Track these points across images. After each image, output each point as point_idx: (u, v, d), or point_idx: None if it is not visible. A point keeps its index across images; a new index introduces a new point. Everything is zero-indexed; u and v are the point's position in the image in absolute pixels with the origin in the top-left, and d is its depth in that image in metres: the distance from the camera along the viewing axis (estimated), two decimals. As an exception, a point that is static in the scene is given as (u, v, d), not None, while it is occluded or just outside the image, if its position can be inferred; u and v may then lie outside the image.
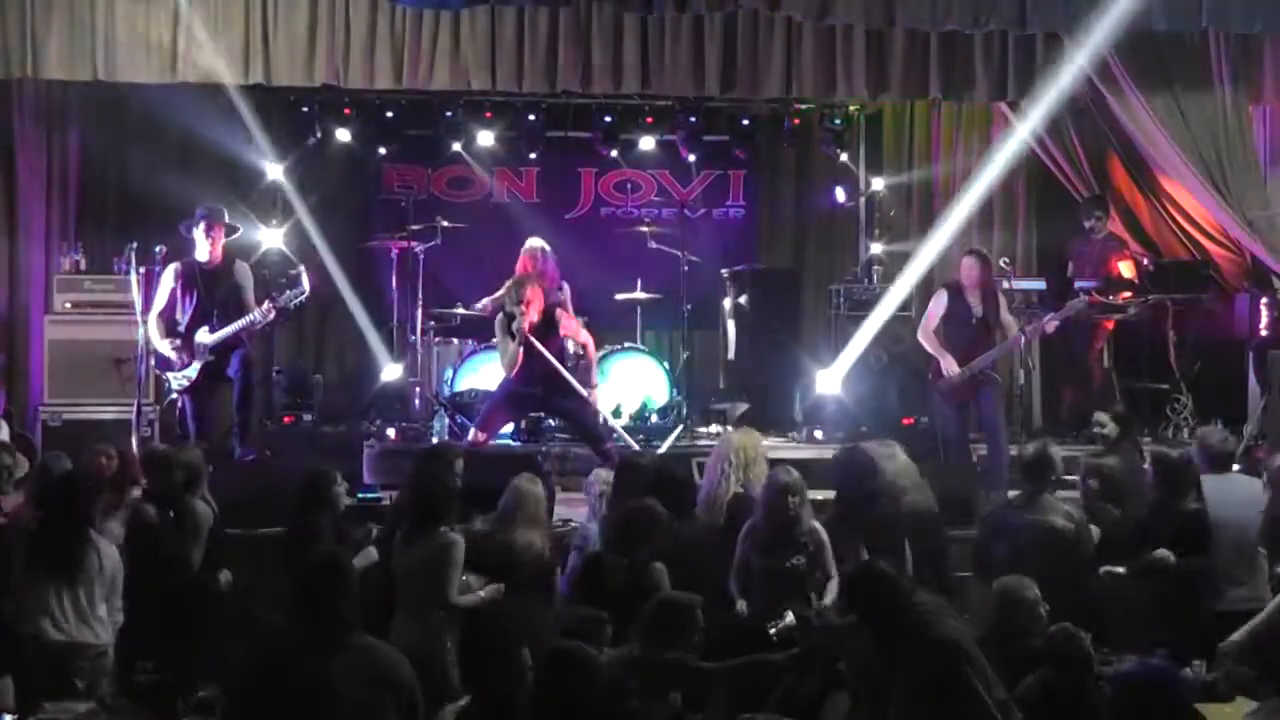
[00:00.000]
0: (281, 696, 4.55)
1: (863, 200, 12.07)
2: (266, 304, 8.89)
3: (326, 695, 4.50)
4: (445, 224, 11.02)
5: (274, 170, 11.07)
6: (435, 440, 9.88)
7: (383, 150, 11.78)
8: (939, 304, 9.27)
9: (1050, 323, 9.36)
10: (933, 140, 11.91)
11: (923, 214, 11.75)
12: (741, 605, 6.47)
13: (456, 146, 11.64)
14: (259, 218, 10.76)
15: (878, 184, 11.97)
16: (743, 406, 10.57)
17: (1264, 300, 10.38)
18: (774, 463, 7.41)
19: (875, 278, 11.44)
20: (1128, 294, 10.32)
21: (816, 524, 6.63)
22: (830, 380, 10.50)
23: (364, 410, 10.52)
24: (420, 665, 5.55)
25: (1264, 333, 10.32)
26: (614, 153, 11.82)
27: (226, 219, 9.12)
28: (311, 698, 4.51)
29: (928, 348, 9.20)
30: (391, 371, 10.56)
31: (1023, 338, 9.14)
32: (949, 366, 8.99)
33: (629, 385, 10.54)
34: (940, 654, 4.85)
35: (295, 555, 6.11)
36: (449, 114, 11.31)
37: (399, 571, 6.36)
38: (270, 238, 10.76)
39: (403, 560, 6.37)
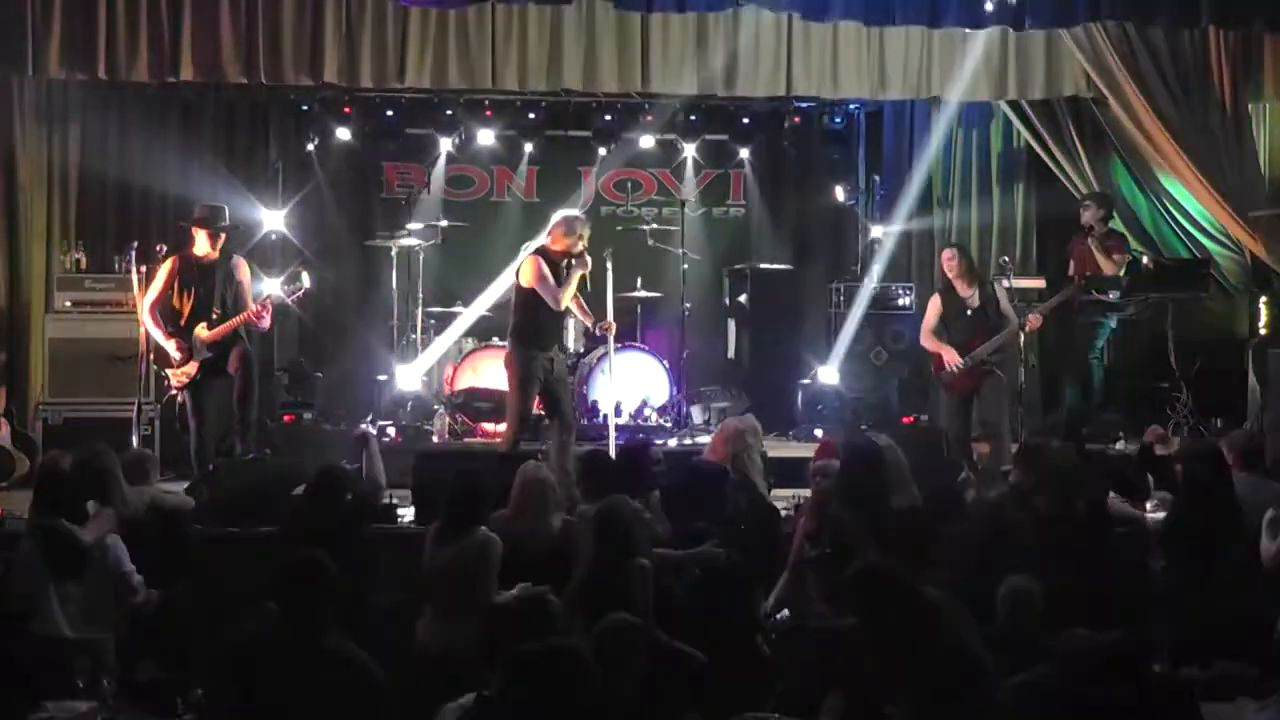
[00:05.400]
0: (257, 691, 4.62)
1: (862, 198, 12.08)
2: (264, 299, 8.89)
3: (297, 691, 4.58)
4: (445, 223, 11.04)
5: (274, 170, 11.07)
6: (435, 440, 9.93)
7: (383, 149, 11.79)
8: (934, 306, 9.40)
9: (1037, 312, 9.40)
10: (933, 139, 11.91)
11: (922, 213, 11.76)
12: (769, 602, 6.44)
13: (448, 147, 11.63)
14: (260, 200, 10.74)
15: (878, 183, 11.96)
16: (743, 405, 10.58)
17: (1264, 300, 10.39)
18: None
19: (875, 276, 11.44)
20: (1114, 292, 10.32)
21: None
22: (829, 374, 10.53)
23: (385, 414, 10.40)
24: (453, 664, 5.57)
25: (1264, 332, 10.34)
26: (608, 149, 11.82)
27: (227, 217, 9.11)
28: (283, 693, 4.59)
29: (929, 347, 9.31)
30: (406, 377, 10.35)
31: (1021, 334, 9.20)
32: (950, 359, 9.09)
33: (629, 384, 10.54)
34: (958, 670, 4.75)
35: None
36: (449, 112, 11.32)
37: (432, 569, 6.25)
38: (271, 219, 10.73)
39: (437, 558, 6.24)
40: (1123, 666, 4.71)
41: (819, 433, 10.31)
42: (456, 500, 6.37)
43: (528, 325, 8.50)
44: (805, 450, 9.47)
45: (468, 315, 10.48)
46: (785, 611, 6.16)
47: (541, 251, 8.52)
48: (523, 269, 8.52)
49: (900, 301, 11.08)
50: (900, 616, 4.75)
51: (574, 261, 8.47)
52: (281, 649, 4.69)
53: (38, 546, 6.19)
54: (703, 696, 5.60)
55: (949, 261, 9.35)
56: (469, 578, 6.13)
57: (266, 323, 8.98)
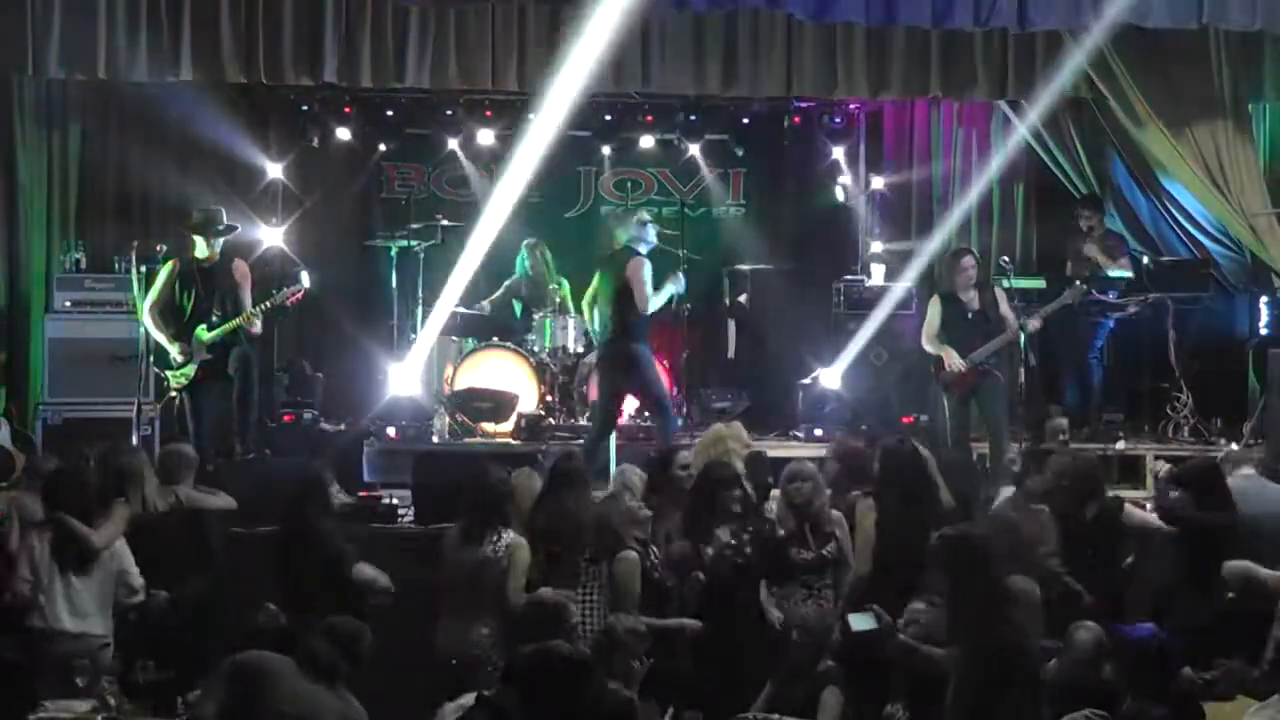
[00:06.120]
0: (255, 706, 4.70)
1: (863, 199, 12.07)
2: (262, 305, 8.88)
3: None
4: (445, 222, 11.03)
5: (274, 169, 11.08)
6: (435, 440, 9.92)
7: (383, 148, 11.78)
8: (935, 311, 9.40)
9: (1038, 316, 9.40)
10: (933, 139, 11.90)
11: (922, 213, 11.74)
12: (774, 615, 6.44)
13: (454, 145, 11.63)
14: (259, 216, 10.75)
15: (878, 183, 11.96)
16: (743, 405, 10.59)
17: (1264, 300, 10.40)
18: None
19: (874, 276, 11.43)
20: (1121, 293, 10.32)
21: (837, 513, 6.64)
22: (831, 376, 10.54)
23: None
24: (468, 667, 5.56)
25: (1264, 332, 10.34)
26: (610, 149, 11.82)
27: (224, 219, 9.10)
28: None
29: (931, 350, 9.33)
30: (403, 381, 10.28)
31: (1022, 335, 9.22)
32: (951, 361, 9.12)
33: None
34: (1014, 665, 4.74)
35: None
36: (449, 112, 11.31)
37: (453, 571, 6.26)
38: (270, 236, 10.75)
39: (460, 560, 6.24)
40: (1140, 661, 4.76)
41: (819, 433, 10.32)
42: (482, 502, 6.36)
43: (639, 321, 8.86)
44: (805, 451, 9.48)
45: (440, 313, 10.38)
46: (873, 617, 5.88)
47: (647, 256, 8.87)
48: (632, 269, 8.74)
49: (900, 302, 11.06)
50: (982, 587, 4.78)
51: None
52: (289, 680, 4.75)
53: (50, 539, 6.21)
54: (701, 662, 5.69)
55: (971, 269, 9.33)
56: (496, 580, 6.12)
57: (257, 329, 8.93)
